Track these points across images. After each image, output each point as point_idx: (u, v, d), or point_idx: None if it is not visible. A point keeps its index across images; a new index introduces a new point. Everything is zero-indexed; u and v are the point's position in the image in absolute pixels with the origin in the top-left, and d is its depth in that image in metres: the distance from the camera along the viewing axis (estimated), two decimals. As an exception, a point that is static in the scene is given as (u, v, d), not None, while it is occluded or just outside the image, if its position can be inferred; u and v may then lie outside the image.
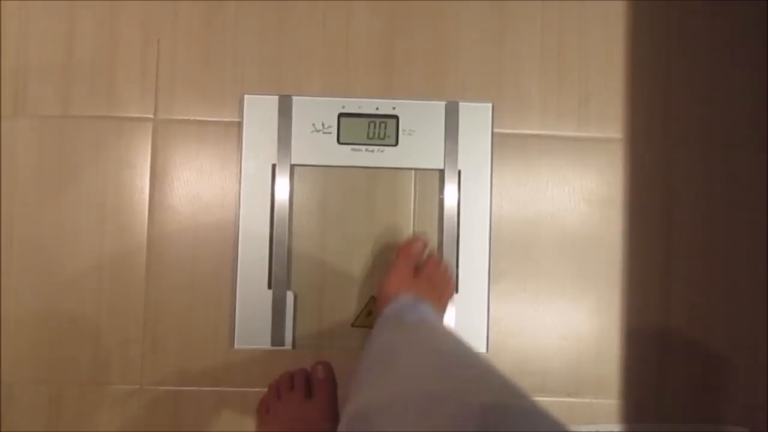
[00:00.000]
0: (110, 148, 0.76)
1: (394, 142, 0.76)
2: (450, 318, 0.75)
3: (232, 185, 0.76)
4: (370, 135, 0.75)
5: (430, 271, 0.72)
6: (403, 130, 0.76)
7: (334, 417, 0.71)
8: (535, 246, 0.78)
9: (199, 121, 0.76)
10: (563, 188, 0.78)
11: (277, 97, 0.75)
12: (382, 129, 0.75)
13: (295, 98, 0.75)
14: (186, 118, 0.76)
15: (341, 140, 0.75)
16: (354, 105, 0.75)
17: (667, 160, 0.79)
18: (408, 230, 0.77)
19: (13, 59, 0.76)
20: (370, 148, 0.75)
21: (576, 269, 0.78)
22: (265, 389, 0.75)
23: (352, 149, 0.75)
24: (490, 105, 0.77)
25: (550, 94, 0.78)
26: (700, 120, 0.79)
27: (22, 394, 0.75)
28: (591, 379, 0.78)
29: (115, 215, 0.76)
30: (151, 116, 0.76)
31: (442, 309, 0.73)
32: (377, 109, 0.76)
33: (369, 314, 0.75)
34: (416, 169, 0.76)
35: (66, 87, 0.76)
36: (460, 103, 0.76)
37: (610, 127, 0.79)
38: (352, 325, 0.76)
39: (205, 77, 0.76)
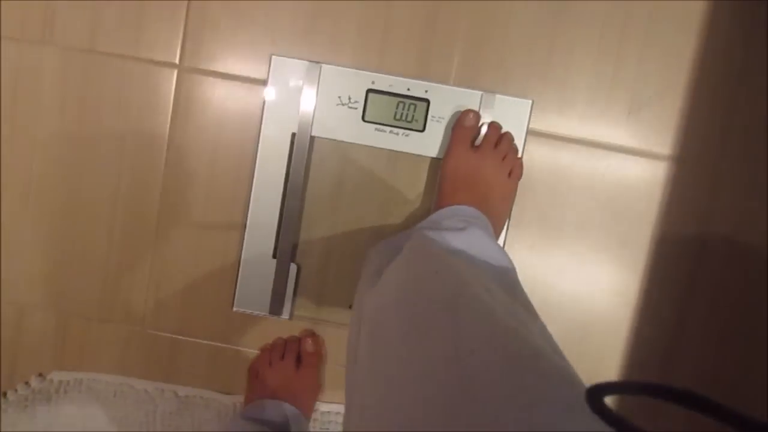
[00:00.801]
0: (133, 89, 0.74)
1: (421, 127, 0.71)
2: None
3: (249, 147, 0.74)
4: (398, 116, 0.71)
5: (492, 139, 0.70)
6: (433, 116, 0.71)
7: (316, 389, 0.77)
8: (555, 254, 0.75)
9: (224, 74, 0.73)
10: (591, 201, 0.74)
11: (306, 62, 0.71)
12: (411, 111, 0.71)
13: (324, 66, 0.71)
14: (211, 68, 0.73)
15: (366, 117, 0.71)
16: (384, 82, 0.71)
17: (715, 185, 0.73)
18: (422, 216, 0.74)
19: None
20: (395, 130, 0.72)
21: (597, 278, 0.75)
22: (258, 351, 0.77)
23: (377, 129, 0.72)
24: (530, 102, 0.71)
25: (597, 99, 0.72)
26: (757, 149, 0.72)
27: (31, 318, 0.79)
28: (593, 353, 0.76)
29: (133, 155, 0.75)
30: (176, 62, 0.74)
31: (514, 185, 0.71)
32: (408, 89, 0.71)
33: (369, 299, 0.74)
34: (440, 159, 0.73)
35: (95, 20, 0.73)
36: (497, 96, 0.71)
37: (658, 142, 0.73)
38: (351, 308, 0.75)
39: (234, 30, 0.73)
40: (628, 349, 0.76)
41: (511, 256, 0.57)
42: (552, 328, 0.45)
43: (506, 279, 0.53)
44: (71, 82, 0.74)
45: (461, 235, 0.57)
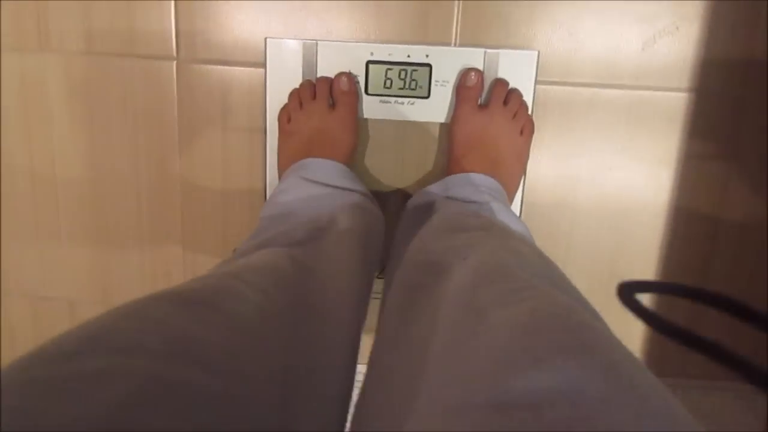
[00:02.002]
0: (136, 85, 0.74)
1: (426, 94, 0.70)
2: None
3: (258, 132, 0.74)
4: (401, 85, 0.70)
5: (499, 96, 0.68)
6: (437, 81, 0.69)
7: (354, 129, 0.70)
8: (571, 207, 0.74)
9: (222, 60, 0.72)
10: (610, 145, 0.72)
11: (301, 41, 0.69)
12: (413, 78, 0.70)
13: (320, 43, 0.69)
14: (209, 57, 0.72)
15: (369, 90, 0.70)
16: (383, 51, 0.69)
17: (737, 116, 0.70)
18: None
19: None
20: (400, 99, 0.70)
21: (609, 267, 0.75)
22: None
23: (381, 101, 0.70)
24: (536, 53, 0.68)
25: (608, 37, 0.68)
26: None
27: (82, 314, 0.84)
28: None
29: (147, 151, 0.77)
30: (174, 55, 0.73)
31: (527, 142, 0.69)
32: (409, 56, 0.69)
33: (393, 268, 0.76)
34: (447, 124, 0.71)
35: (87, 22, 0.73)
36: (501, 51, 0.68)
37: (676, 75, 0.69)
38: (378, 277, 0.78)
39: (227, 16, 0.71)
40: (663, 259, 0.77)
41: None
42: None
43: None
44: (75, 86, 0.75)
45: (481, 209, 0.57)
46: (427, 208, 0.63)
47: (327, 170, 0.65)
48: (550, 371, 0.25)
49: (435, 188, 0.66)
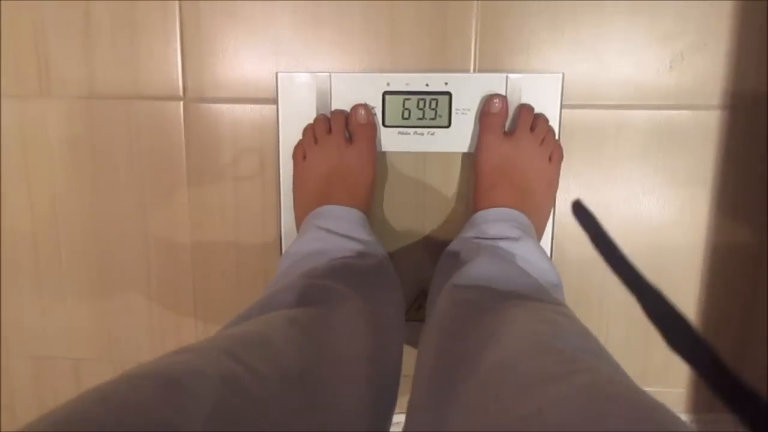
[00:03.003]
0: (142, 128, 0.71)
1: (446, 123, 0.66)
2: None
3: (271, 170, 0.70)
4: (420, 116, 0.67)
5: (525, 122, 0.64)
6: (457, 109, 0.66)
7: (374, 162, 0.66)
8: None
9: (231, 98, 0.69)
10: (645, 168, 0.68)
11: (314, 74, 0.66)
12: (433, 108, 0.66)
13: (334, 75, 0.66)
14: (217, 95, 0.69)
15: (387, 122, 0.67)
16: (400, 81, 0.66)
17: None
18: (462, 218, 0.70)
19: (31, 39, 0.70)
20: (420, 130, 0.67)
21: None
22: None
23: (400, 132, 0.67)
24: (560, 75, 0.65)
25: (634, 57, 0.66)
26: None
27: (88, 372, 0.79)
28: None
29: (153, 197, 0.73)
30: (181, 95, 0.70)
31: (556, 169, 0.65)
32: (427, 85, 0.66)
33: (419, 309, 0.72)
34: (471, 154, 0.68)
35: (89, 65, 0.70)
36: (524, 75, 0.65)
37: (706, 92, 0.66)
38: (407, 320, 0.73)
39: (235, 51, 0.68)
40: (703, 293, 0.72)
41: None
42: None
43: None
44: (78, 132, 0.72)
45: (515, 246, 0.54)
46: (458, 255, 0.60)
47: (345, 219, 0.62)
48: None
49: (466, 233, 0.63)
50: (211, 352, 0.35)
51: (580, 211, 0.23)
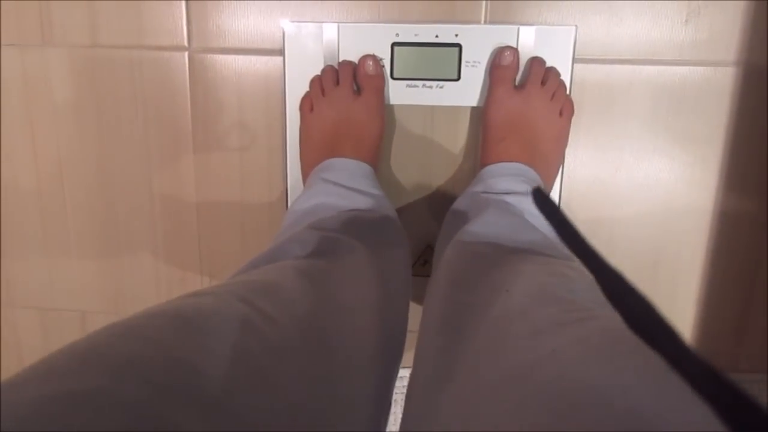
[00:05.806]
0: (146, 79, 0.70)
1: (455, 76, 0.65)
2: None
3: (277, 123, 0.70)
4: (429, 68, 0.65)
5: (537, 75, 0.63)
6: (467, 62, 0.65)
7: (382, 114, 0.65)
8: (612, 192, 0.69)
9: (237, 49, 0.68)
10: (652, 127, 0.67)
11: (320, 24, 0.65)
12: (442, 60, 0.65)
13: (341, 26, 0.65)
14: (223, 46, 0.68)
15: (395, 74, 0.66)
16: (410, 32, 0.64)
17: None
18: (469, 173, 0.70)
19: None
20: (428, 83, 0.66)
21: (654, 255, 0.70)
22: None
23: (408, 85, 0.66)
24: (574, 28, 0.64)
25: (650, 10, 0.64)
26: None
27: (93, 324, 0.80)
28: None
29: (158, 149, 0.72)
30: (185, 45, 0.69)
31: (566, 124, 0.64)
32: (437, 36, 0.64)
33: (425, 264, 0.72)
34: (480, 108, 0.67)
35: (92, 13, 0.68)
36: (536, 27, 0.64)
37: (722, 48, 0.65)
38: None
39: (240, 1, 0.67)
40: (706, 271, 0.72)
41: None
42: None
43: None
44: (81, 83, 0.71)
45: (524, 201, 0.54)
46: (466, 210, 0.59)
47: (352, 172, 0.61)
48: None
49: (474, 188, 0.62)
50: (226, 296, 0.35)
51: (541, 199, 0.23)
